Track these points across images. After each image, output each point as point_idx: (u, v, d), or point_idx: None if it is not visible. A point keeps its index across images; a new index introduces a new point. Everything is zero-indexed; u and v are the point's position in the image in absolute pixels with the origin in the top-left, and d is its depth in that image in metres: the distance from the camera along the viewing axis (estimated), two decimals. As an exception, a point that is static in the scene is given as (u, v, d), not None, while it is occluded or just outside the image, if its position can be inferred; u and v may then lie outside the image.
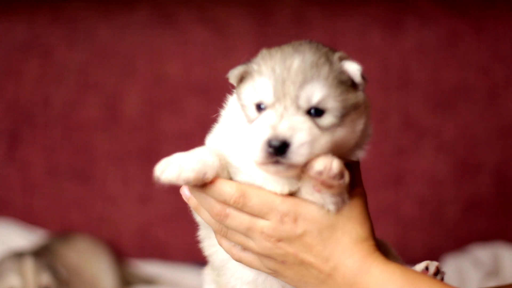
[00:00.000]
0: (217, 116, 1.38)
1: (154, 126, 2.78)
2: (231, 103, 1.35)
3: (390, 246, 1.44)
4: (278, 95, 1.22)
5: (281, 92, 1.22)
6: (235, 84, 1.31)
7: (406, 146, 2.70)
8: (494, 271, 2.48)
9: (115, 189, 2.78)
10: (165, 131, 2.77)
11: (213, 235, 1.37)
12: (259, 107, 1.24)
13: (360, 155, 1.35)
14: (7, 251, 2.37)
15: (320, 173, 1.20)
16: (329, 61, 1.25)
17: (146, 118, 2.79)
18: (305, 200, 1.26)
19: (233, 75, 1.31)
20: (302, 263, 1.27)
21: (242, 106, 1.27)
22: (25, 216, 2.79)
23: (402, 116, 2.71)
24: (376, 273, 1.24)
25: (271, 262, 1.29)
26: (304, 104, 1.21)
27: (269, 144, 1.18)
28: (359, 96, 1.29)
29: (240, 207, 1.27)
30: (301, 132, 1.19)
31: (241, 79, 1.30)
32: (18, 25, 2.86)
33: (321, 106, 1.22)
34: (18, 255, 2.24)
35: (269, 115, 1.21)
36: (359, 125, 1.29)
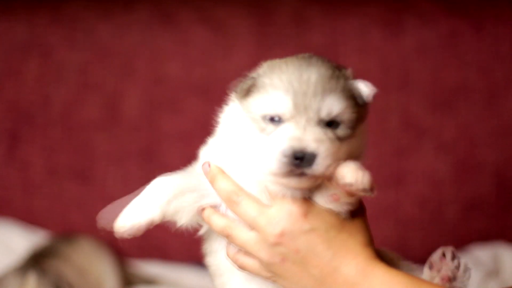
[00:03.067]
0: (217, 116, 1.38)
1: (154, 126, 2.78)
2: (230, 115, 1.35)
3: (392, 253, 1.45)
4: (299, 108, 1.23)
5: (302, 105, 1.23)
6: (240, 97, 1.31)
7: (406, 146, 2.70)
8: (494, 271, 2.48)
9: (115, 189, 2.77)
10: (165, 131, 2.77)
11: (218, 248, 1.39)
12: (273, 119, 1.25)
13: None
14: (16, 261, 2.35)
15: (350, 184, 1.24)
16: (342, 75, 1.28)
17: (146, 118, 2.78)
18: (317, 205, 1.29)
19: (241, 89, 1.30)
20: (302, 262, 1.27)
21: (253, 119, 1.28)
22: (25, 216, 2.79)
23: (402, 116, 2.71)
24: (379, 276, 1.25)
25: (271, 263, 1.30)
26: (326, 116, 1.24)
27: (295, 156, 1.20)
28: (365, 109, 1.33)
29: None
30: (325, 144, 1.22)
31: (247, 92, 1.30)
32: (18, 25, 2.86)
33: (339, 118, 1.25)
34: (22, 270, 2.20)
35: (289, 128, 1.23)
36: (366, 137, 1.35)
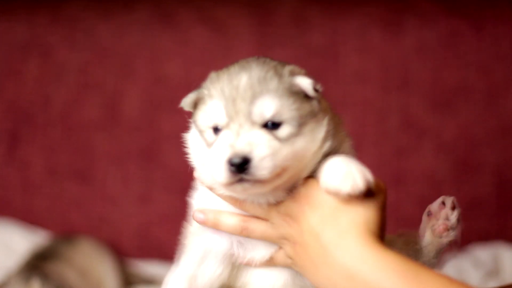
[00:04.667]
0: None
1: (154, 126, 2.78)
2: (190, 134, 1.35)
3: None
4: (231, 114, 1.22)
5: (233, 110, 1.22)
6: (190, 111, 1.31)
7: (406, 146, 2.70)
8: (494, 271, 2.48)
9: (115, 189, 2.78)
10: (165, 131, 2.77)
11: None
12: (216, 130, 1.24)
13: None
14: (17, 261, 2.34)
15: (336, 193, 1.21)
16: (278, 74, 1.25)
17: (146, 118, 2.79)
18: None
19: (186, 103, 1.31)
20: (303, 244, 1.27)
21: (200, 132, 1.28)
22: (25, 216, 2.79)
23: (402, 116, 2.71)
24: (374, 259, 1.22)
25: (287, 244, 1.29)
26: (258, 119, 1.22)
27: (230, 162, 1.18)
28: (313, 104, 1.27)
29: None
30: (259, 146, 1.19)
31: (195, 105, 1.30)
32: (18, 25, 2.86)
33: (277, 118, 1.22)
34: (25, 274, 2.19)
35: (226, 135, 1.22)
36: (319, 133, 1.27)
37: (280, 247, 1.32)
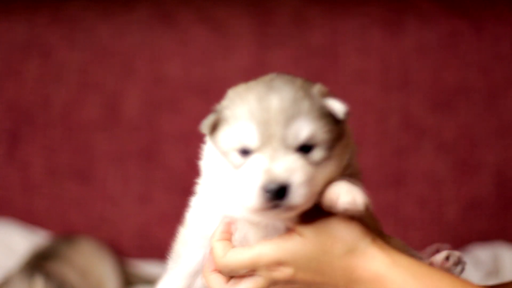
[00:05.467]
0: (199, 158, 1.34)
1: (154, 126, 2.78)
2: (208, 153, 1.29)
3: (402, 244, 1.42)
4: (264, 138, 1.16)
5: (266, 134, 1.16)
6: (208, 133, 1.25)
7: (406, 146, 2.70)
8: (494, 271, 2.49)
9: (115, 189, 2.78)
10: (165, 131, 2.77)
11: None
12: (243, 152, 1.19)
13: None
14: (18, 261, 2.34)
15: (346, 210, 1.19)
16: (308, 95, 1.20)
17: (146, 118, 2.79)
18: (284, 239, 1.23)
19: (205, 126, 1.24)
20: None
21: (223, 153, 1.22)
22: (25, 216, 2.79)
23: (402, 116, 2.71)
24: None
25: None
26: (293, 143, 1.17)
27: (266, 189, 1.14)
28: (341, 127, 1.24)
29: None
30: (297, 172, 1.15)
31: (214, 126, 1.24)
32: (18, 25, 2.86)
33: (310, 142, 1.18)
34: (27, 274, 2.19)
35: (259, 159, 1.16)
36: (345, 157, 1.24)
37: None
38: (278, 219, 1.21)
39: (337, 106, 1.21)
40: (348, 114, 1.22)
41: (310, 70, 2.72)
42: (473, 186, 2.68)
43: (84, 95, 2.81)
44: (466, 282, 1.23)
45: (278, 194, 1.14)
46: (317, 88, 1.22)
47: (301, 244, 1.22)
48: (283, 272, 1.23)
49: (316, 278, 1.23)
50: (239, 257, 1.24)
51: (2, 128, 2.82)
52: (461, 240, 2.67)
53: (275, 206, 1.15)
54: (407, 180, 2.69)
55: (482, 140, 2.69)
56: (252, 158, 1.18)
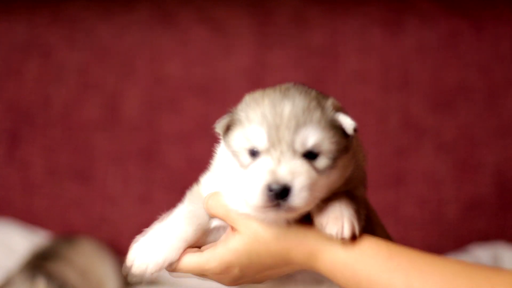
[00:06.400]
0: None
1: (154, 126, 2.78)
2: (220, 151, 1.37)
3: (377, 218, 1.45)
4: (273, 141, 1.24)
5: (276, 137, 1.24)
6: (221, 133, 1.34)
7: (406, 146, 2.70)
8: (494, 271, 2.48)
9: (115, 189, 2.78)
10: (165, 131, 2.77)
11: None
12: (252, 153, 1.27)
13: None
14: (18, 261, 2.34)
15: (331, 236, 1.25)
16: (320, 106, 1.28)
17: (146, 118, 2.79)
18: (226, 241, 1.32)
19: (220, 126, 1.33)
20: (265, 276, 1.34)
21: (234, 152, 1.30)
22: (25, 216, 2.79)
23: (402, 116, 2.71)
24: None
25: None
26: (300, 148, 1.25)
27: (270, 188, 1.21)
28: (349, 141, 1.31)
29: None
30: (301, 176, 1.22)
31: (228, 127, 1.32)
32: (18, 25, 2.86)
33: (316, 149, 1.25)
34: (29, 274, 2.19)
35: (266, 160, 1.24)
36: (348, 170, 1.32)
37: None
38: (279, 218, 1.28)
39: (347, 121, 1.29)
40: (356, 130, 1.30)
41: (310, 70, 2.72)
42: (473, 186, 2.68)
43: (84, 95, 2.81)
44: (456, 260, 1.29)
45: (280, 194, 1.21)
46: (330, 101, 1.31)
47: (240, 240, 1.31)
48: (230, 275, 1.33)
49: (259, 268, 1.31)
50: (190, 263, 1.40)
51: (2, 128, 2.82)
52: (461, 240, 2.67)
53: (277, 206, 1.22)
54: (407, 180, 2.69)
55: (482, 140, 2.69)
56: (259, 159, 1.25)
